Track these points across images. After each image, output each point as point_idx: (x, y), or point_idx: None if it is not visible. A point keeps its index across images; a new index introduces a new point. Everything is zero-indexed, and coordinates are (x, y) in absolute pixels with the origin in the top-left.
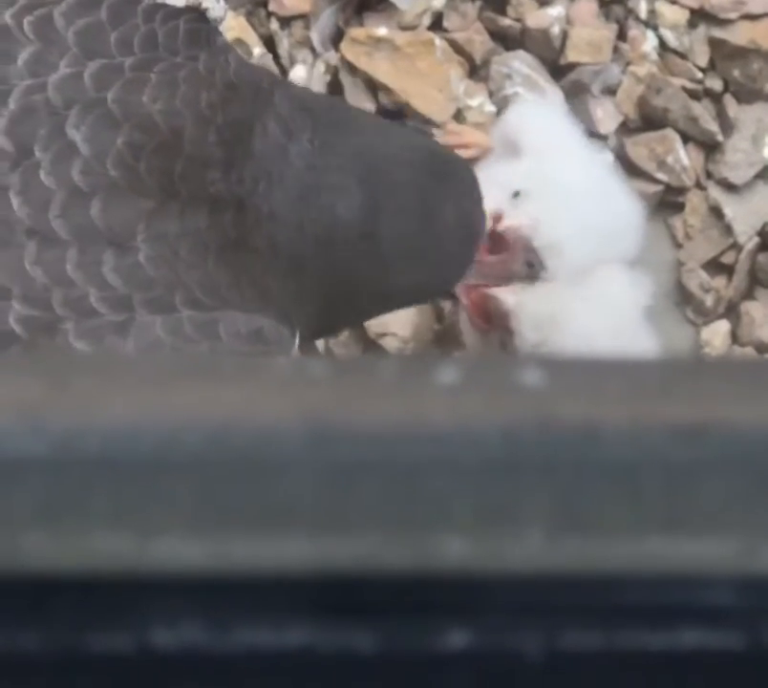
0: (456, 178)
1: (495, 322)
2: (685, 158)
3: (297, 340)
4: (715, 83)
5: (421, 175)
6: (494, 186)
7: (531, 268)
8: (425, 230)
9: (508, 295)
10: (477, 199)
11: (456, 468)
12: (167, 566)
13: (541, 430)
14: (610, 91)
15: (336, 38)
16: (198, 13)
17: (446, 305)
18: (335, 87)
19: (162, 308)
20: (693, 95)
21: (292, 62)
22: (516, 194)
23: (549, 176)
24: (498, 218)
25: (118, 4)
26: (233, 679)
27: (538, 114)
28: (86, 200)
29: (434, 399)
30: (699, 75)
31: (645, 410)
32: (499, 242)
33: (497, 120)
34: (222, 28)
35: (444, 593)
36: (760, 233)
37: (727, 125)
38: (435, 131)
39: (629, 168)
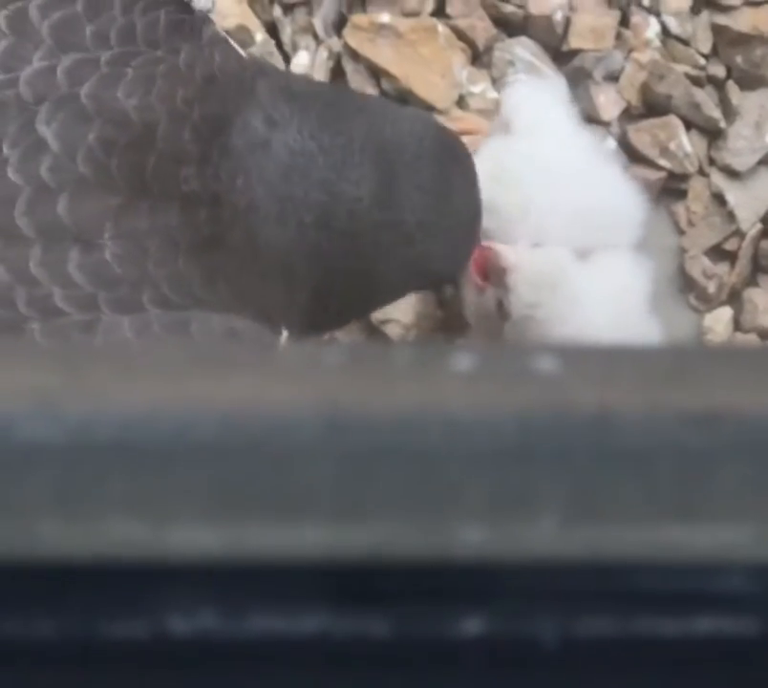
0: (461, 154)
1: (492, 279)
2: (688, 144)
3: (284, 337)
4: (718, 70)
5: (435, 150)
6: (485, 163)
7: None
8: (442, 209)
9: (509, 252)
10: (476, 176)
11: (471, 455)
12: (183, 553)
13: (555, 417)
14: (613, 77)
15: (339, 25)
16: (181, 4)
17: (448, 291)
18: (338, 74)
19: (128, 307)
20: (696, 81)
21: (295, 49)
22: None
23: (537, 156)
24: None
25: None
26: (249, 667)
27: (532, 94)
28: (53, 196)
29: (449, 387)
30: (702, 61)
31: (658, 397)
32: None
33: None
34: (218, 15)
35: (459, 580)
36: (763, 220)
37: (730, 112)
38: (437, 117)
39: (632, 155)
